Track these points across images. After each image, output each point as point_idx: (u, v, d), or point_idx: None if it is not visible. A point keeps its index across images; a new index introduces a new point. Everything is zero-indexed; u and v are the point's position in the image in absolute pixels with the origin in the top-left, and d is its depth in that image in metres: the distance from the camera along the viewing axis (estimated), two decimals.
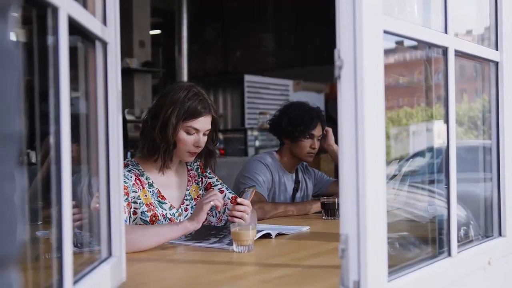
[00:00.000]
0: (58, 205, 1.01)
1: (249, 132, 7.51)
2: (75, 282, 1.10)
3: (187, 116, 2.16)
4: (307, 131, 2.96)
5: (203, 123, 2.19)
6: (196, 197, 2.35)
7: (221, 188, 2.38)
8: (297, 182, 3.13)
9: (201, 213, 1.97)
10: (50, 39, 1.01)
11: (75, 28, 1.11)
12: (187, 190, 2.33)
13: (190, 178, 2.36)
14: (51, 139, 1.00)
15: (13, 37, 0.62)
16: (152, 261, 1.79)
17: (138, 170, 2.21)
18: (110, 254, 1.37)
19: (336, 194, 2.93)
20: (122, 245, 1.40)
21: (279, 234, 2.16)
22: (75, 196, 1.07)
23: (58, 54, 1.00)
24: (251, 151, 7.36)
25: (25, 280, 0.93)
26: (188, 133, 2.18)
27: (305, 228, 2.34)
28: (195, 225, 1.96)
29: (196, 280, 1.56)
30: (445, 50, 1.52)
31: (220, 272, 1.63)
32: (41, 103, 1.05)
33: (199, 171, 2.40)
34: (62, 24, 1.01)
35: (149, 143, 2.19)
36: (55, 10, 0.99)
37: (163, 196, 2.23)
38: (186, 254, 1.84)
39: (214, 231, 2.11)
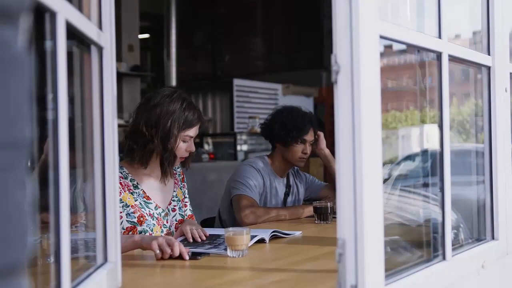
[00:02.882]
0: (56, 210, 1.00)
1: (238, 136, 7.49)
2: None
3: (186, 126, 2.24)
4: (299, 136, 2.96)
5: (196, 130, 2.30)
6: (181, 199, 2.42)
7: (187, 202, 2.47)
8: (288, 186, 3.13)
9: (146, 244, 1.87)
10: (47, 44, 1.01)
11: (71, 32, 1.10)
12: (174, 191, 2.40)
13: (176, 181, 2.43)
14: (50, 144, 0.99)
15: (23, 43, 0.62)
16: (147, 267, 1.79)
17: (122, 173, 2.23)
18: (105, 260, 1.36)
19: (327, 198, 2.94)
20: (117, 251, 1.39)
21: (273, 237, 2.17)
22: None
23: (56, 59, 1.00)
24: (240, 155, 7.34)
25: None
26: (184, 141, 2.26)
27: (298, 233, 2.34)
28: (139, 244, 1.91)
29: (191, 286, 1.55)
30: (439, 55, 1.53)
31: (216, 277, 1.62)
32: (37, 108, 1.04)
33: (180, 177, 2.48)
34: (60, 29, 1.00)
35: (148, 153, 2.23)
36: (53, 15, 0.99)
37: (148, 196, 2.27)
38: (181, 260, 1.83)
39: (208, 240, 2.10)
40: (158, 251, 1.80)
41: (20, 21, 0.62)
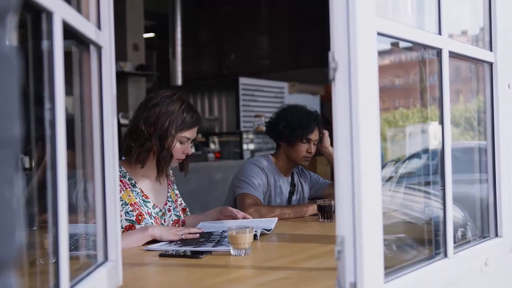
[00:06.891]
0: (54, 210, 1.01)
1: (244, 135, 7.50)
2: (72, 287, 1.09)
3: (183, 127, 2.27)
4: (304, 135, 2.95)
5: (194, 132, 2.33)
6: (174, 200, 2.46)
7: (180, 198, 2.52)
8: (293, 185, 3.13)
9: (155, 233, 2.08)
10: (44, 44, 1.01)
11: (69, 32, 1.10)
12: (168, 192, 2.44)
13: (169, 182, 2.48)
14: (48, 144, 0.99)
15: (11, 42, 0.62)
16: (149, 265, 1.79)
17: (120, 172, 2.26)
18: (106, 258, 1.37)
19: (332, 196, 2.93)
20: (118, 249, 1.40)
21: (262, 234, 2.20)
22: (70, 201, 1.07)
23: (53, 59, 1.00)
24: (246, 154, 7.35)
25: (22, 286, 0.93)
26: (181, 142, 2.29)
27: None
28: (151, 233, 2.08)
29: (193, 284, 1.55)
30: (439, 52, 1.52)
31: (217, 276, 1.62)
32: (35, 108, 1.04)
33: (173, 179, 2.52)
34: (57, 28, 1.01)
35: (146, 152, 2.26)
36: (49, 14, 0.99)
37: (146, 195, 2.31)
38: (183, 258, 1.83)
39: (203, 239, 2.10)
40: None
41: (8, 21, 0.62)
